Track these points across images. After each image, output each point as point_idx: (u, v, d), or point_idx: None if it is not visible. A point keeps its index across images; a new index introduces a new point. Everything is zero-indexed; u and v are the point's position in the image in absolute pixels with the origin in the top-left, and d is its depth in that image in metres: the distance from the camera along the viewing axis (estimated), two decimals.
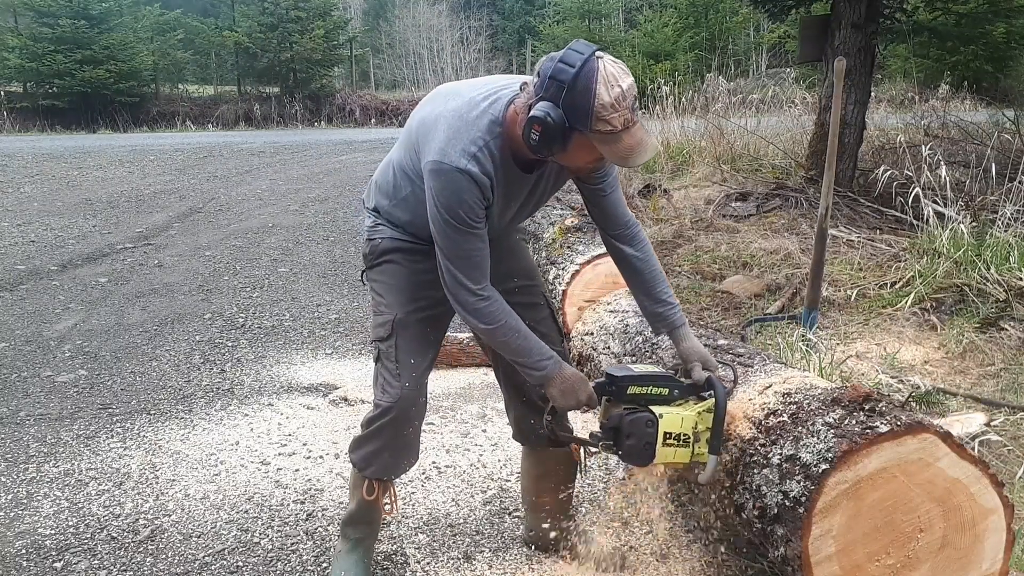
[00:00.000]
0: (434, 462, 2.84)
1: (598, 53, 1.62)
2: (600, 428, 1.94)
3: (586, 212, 4.65)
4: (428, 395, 2.10)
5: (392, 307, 2.00)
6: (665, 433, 1.87)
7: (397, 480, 2.67)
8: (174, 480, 2.74)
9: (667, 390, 1.92)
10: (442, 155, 1.73)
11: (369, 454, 2.03)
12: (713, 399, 1.90)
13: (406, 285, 2.00)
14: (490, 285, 1.87)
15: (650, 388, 1.90)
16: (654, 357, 2.66)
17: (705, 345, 2.56)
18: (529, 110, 1.65)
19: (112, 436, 3.10)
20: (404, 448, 2.05)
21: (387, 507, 2.15)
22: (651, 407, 1.89)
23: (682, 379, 1.98)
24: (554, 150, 1.66)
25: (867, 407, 1.79)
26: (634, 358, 2.71)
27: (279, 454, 2.93)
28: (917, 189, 4.84)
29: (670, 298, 2.06)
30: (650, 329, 2.84)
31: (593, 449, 1.98)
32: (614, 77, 1.59)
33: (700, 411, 1.91)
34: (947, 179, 4.91)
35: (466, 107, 1.77)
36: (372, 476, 2.06)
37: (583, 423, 3.08)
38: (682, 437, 1.89)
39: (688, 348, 2.03)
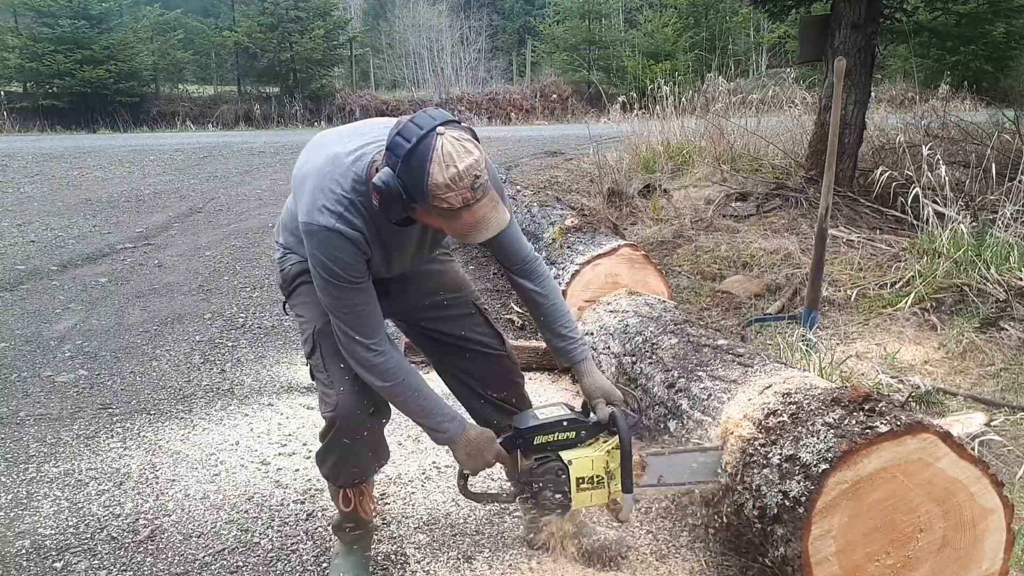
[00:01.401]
0: (434, 462, 2.84)
1: (439, 129, 1.58)
2: (514, 482, 1.95)
3: (586, 213, 4.64)
4: None
5: (311, 321, 1.98)
6: (578, 479, 1.88)
7: (398, 480, 2.69)
8: (174, 480, 2.74)
9: (574, 433, 1.92)
10: (309, 216, 1.74)
11: (333, 466, 2.02)
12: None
13: None
14: (385, 341, 1.85)
15: (556, 435, 1.90)
16: (654, 357, 2.67)
17: (704, 345, 2.57)
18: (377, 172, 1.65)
19: (112, 436, 3.10)
20: (365, 452, 2.02)
21: (370, 510, 2.14)
22: (561, 453, 1.89)
23: (588, 418, 1.96)
24: (398, 215, 1.66)
25: (867, 407, 1.79)
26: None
27: (279, 454, 2.93)
28: (917, 189, 4.84)
29: (571, 332, 2.05)
30: (650, 328, 2.84)
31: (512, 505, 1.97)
32: (451, 156, 1.56)
33: (609, 449, 1.90)
34: (947, 179, 4.91)
35: (330, 165, 1.77)
36: (344, 485, 2.06)
37: None
38: (596, 479, 1.90)
39: (590, 384, 2.01)
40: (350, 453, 1.98)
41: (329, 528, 2.40)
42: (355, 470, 2.03)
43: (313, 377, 2.02)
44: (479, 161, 1.60)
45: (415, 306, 2.12)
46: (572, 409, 1.99)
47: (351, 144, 1.80)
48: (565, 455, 1.89)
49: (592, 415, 1.97)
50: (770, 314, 4.15)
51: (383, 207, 1.64)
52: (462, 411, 2.10)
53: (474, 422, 2.03)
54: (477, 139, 1.68)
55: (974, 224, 4.57)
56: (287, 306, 2.12)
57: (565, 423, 1.91)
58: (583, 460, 1.89)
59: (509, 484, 2.00)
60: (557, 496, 1.88)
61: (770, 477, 1.82)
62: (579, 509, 1.95)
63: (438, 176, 1.55)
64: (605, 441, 1.93)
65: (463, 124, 1.66)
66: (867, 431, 1.69)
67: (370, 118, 2.04)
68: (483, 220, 1.62)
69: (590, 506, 1.95)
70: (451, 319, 2.12)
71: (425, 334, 2.19)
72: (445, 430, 1.89)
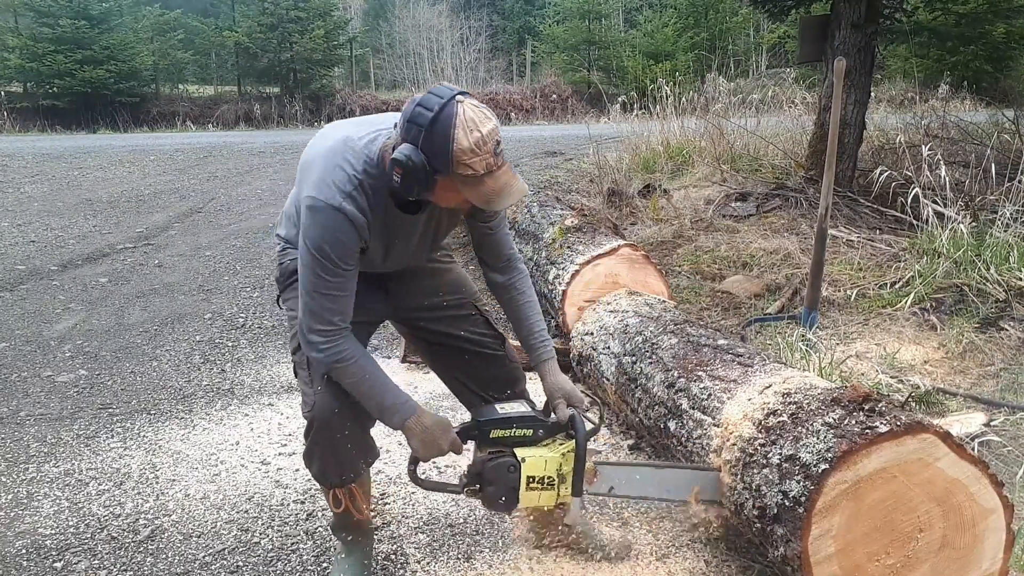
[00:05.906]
0: (434, 462, 2.84)
1: (459, 97, 1.61)
2: (465, 473, 1.92)
3: (586, 213, 4.64)
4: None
5: None
6: (528, 477, 1.86)
7: (398, 480, 2.69)
8: (174, 480, 2.74)
9: (531, 431, 1.89)
10: (317, 191, 1.72)
11: (319, 466, 2.00)
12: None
13: None
14: (347, 330, 1.82)
15: (513, 430, 1.88)
16: (654, 357, 2.67)
17: (704, 345, 2.57)
18: (393, 151, 1.65)
19: (112, 436, 3.10)
20: (350, 450, 1.99)
21: (363, 509, 2.12)
22: (516, 450, 1.87)
23: (547, 418, 1.95)
24: (419, 192, 1.66)
25: (867, 407, 1.79)
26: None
27: (279, 454, 2.94)
28: (917, 189, 4.84)
29: (541, 331, 2.07)
30: (650, 328, 2.85)
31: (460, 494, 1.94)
32: (473, 122, 1.58)
33: (564, 452, 1.89)
34: (947, 179, 4.91)
35: (342, 146, 1.76)
36: (332, 485, 2.03)
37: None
38: (546, 480, 1.88)
39: (552, 384, 2.02)
40: (334, 452, 1.96)
41: (329, 528, 2.40)
42: (342, 469, 2.00)
43: (296, 374, 2.01)
44: (497, 128, 1.63)
45: (414, 306, 2.12)
46: (534, 407, 1.98)
47: (363, 130, 1.80)
48: (519, 452, 1.87)
49: (552, 415, 1.96)
50: (770, 314, 4.15)
51: (404, 183, 1.63)
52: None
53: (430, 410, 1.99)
54: None
55: (974, 224, 4.58)
56: (281, 300, 2.11)
57: (523, 419, 1.89)
58: (536, 460, 1.87)
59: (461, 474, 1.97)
60: (504, 493, 1.86)
61: (770, 477, 1.82)
62: (528, 506, 1.93)
63: (463, 141, 1.57)
64: (561, 443, 1.92)
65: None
66: (867, 431, 1.69)
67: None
68: (505, 187, 1.64)
69: (536, 507, 1.94)
70: (449, 319, 2.12)
71: (424, 335, 2.19)
72: (397, 413, 1.85)
